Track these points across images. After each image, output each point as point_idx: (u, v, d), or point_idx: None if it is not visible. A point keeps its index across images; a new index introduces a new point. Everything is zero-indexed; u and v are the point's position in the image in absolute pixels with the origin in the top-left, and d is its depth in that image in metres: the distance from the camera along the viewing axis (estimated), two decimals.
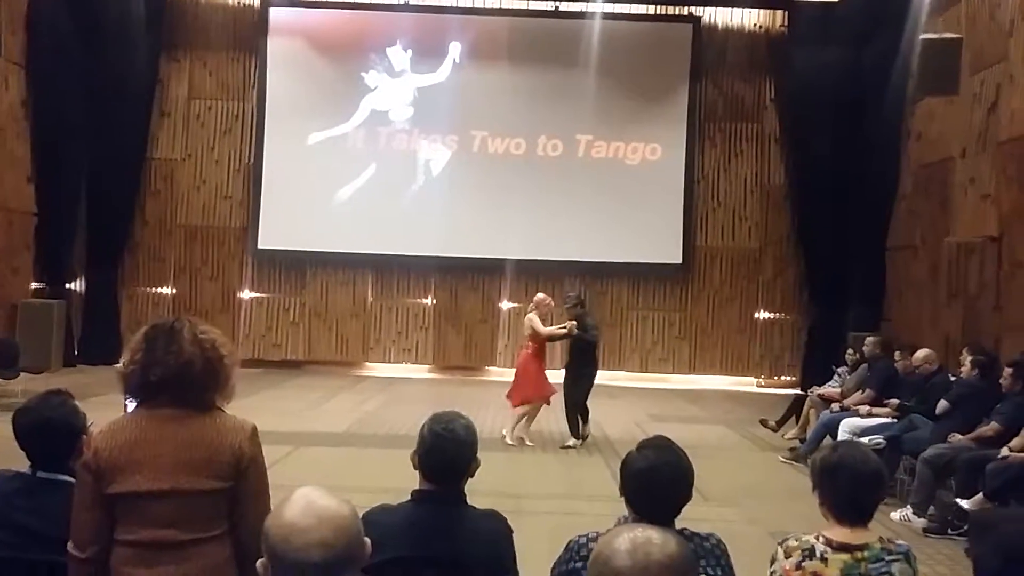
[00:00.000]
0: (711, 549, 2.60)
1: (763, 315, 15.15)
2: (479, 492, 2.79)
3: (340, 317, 15.15)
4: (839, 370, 10.19)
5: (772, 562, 2.64)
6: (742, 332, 15.11)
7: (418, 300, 15.19)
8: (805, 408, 9.70)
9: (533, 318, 9.15)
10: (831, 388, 9.68)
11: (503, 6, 15.24)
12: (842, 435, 7.78)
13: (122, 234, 14.70)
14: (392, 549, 2.51)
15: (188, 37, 15.07)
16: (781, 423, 10.06)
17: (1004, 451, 6.30)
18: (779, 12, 14.91)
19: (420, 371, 15.14)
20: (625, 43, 14.63)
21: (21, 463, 2.92)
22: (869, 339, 9.39)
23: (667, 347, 15.15)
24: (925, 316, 11.57)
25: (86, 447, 2.55)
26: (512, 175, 14.76)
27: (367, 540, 1.74)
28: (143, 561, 2.40)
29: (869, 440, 7.01)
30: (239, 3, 15.12)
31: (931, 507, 6.71)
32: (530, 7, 15.17)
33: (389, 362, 15.18)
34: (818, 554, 2.55)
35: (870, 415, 8.12)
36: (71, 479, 2.69)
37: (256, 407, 9.11)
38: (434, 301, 15.17)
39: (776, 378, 14.99)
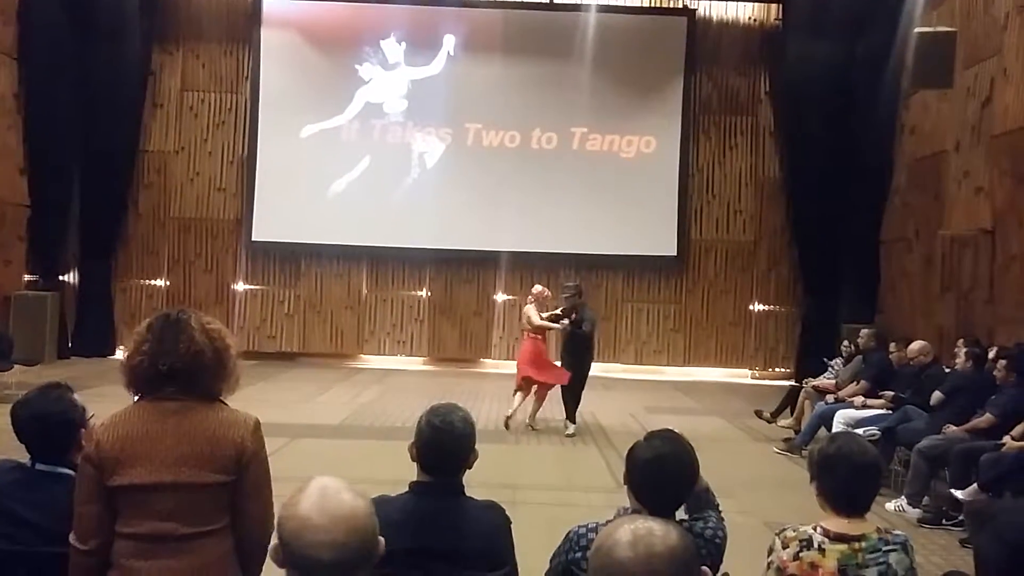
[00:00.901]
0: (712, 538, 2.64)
1: (758, 307, 15.19)
2: (475, 483, 2.80)
3: (335, 309, 15.14)
4: (831, 362, 10.25)
5: (769, 552, 2.65)
6: (737, 324, 15.14)
7: (413, 292, 15.19)
8: (800, 399, 9.75)
9: (530, 310, 9.48)
10: (826, 380, 9.73)
11: None
12: (837, 426, 7.82)
13: (115, 226, 14.66)
14: (391, 541, 2.51)
15: (181, 28, 15.02)
16: (776, 414, 10.09)
17: (1006, 439, 6.35)
18: (773, 5, 14.94)
19: (415, 363, 15.15)
20: (620, 36, 14.61)
21: (18, 456, 2.91)
22: (864, 331, 9.45)
23: (662, 339, 15.18)
24: (918, 308, 11.61)
25: (88, 440, 2.54)
26: (506, 168, 14.75)
27: (382, 539, 1.70)
28: (144, 554, 2.40)
29: (864, 431, 7.05)
30: None
31: (925, 498, 6.77)
32: None
33: (384, 354, 15.18)
34: (816, 544, 2.56)
35: (865, 406, 8.16)
36: (70, 472, 2.70)
37: (251, 399, 9.09)
38: (429, 293, 15.17)
39: (770, 370, 15.04)
